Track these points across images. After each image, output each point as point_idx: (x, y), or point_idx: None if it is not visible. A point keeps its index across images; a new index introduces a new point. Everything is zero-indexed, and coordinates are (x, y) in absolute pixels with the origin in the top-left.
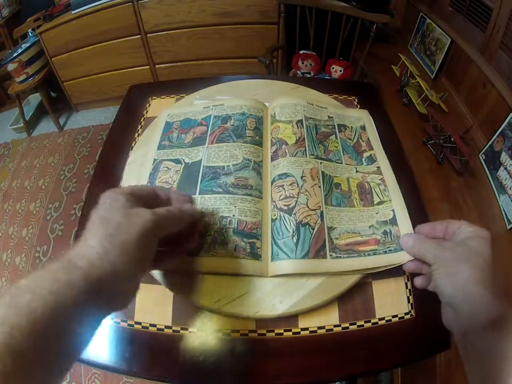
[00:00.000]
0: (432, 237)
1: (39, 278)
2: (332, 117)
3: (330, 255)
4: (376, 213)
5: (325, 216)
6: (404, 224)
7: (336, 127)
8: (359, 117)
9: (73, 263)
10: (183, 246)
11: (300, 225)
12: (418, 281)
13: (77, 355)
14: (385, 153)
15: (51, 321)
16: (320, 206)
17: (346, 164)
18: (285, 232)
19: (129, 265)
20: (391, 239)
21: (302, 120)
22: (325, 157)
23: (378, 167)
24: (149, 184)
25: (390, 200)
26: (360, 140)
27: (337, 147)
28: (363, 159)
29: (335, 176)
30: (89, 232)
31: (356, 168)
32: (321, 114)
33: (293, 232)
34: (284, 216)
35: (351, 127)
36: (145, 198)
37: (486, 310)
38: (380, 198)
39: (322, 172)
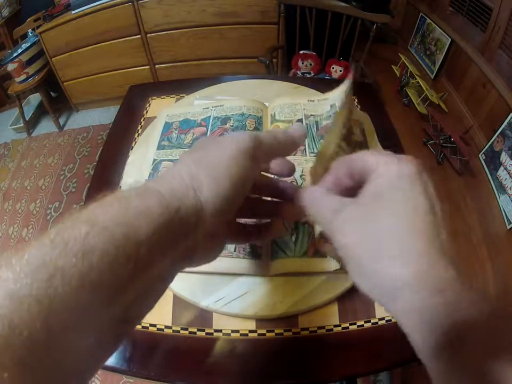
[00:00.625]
0: (340, 189)
1: (100, 205)
2: (334, 104)
3: None
4: None
5: None
6: None
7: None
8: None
9: (150, 187)
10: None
11: (298, 224)
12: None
13: (139, 318)
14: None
15: (115, 265)
16: None
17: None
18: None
19: (217, 194)
20: None
21: (302, 119)
22: None
23: None
24: None
25: None
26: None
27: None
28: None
29: None
30: (174, 164)
31: None
32: (322, 107)
33: (292, 231)
34: None
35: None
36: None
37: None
38: None
39: None
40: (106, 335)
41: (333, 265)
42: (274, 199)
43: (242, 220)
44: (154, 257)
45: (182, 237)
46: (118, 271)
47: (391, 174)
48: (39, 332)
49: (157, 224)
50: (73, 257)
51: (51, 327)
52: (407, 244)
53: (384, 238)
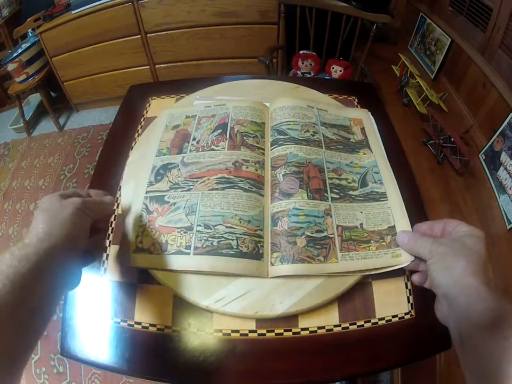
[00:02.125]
0: (430, 235)
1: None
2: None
3: None
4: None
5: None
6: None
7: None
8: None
9: (26, 242)
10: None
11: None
12: (415, 278)
13: (38, 329)
14: (386, 153)
15: (10, 291)
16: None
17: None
18: None
19: (66, 238)
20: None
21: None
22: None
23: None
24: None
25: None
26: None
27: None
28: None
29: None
30: (35, 220)
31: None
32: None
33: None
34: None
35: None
36: (70, 195)
37: (483, 303)
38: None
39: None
40: (14, 338)
41: (334, 268)
42: None
43: None
44: (35, 283)
45: (52, 268)
46: (14, 294)
47: (468, 229)
48: None
49: (31, 262)
50: None
51: None
52: (473, 258)
53: (460, 251)
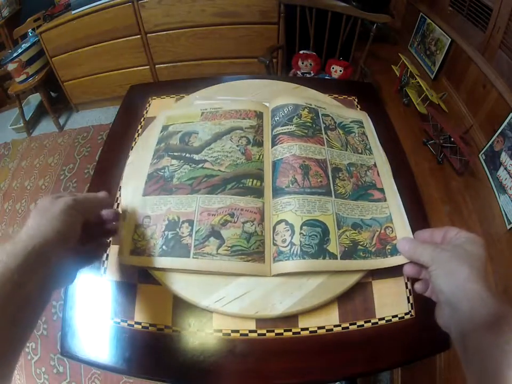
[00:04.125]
0: (430, 242)
1: None
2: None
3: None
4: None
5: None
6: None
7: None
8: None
9: (17, 238)
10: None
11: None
12: (417, 286)
13: (29, 324)
14: (386, 153)
15: (1, 285)
16: None
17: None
18: None
19: (56, 235)
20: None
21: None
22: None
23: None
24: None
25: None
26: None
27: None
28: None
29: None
30: (28, 220)
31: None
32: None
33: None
34: None
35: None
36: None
37: (486, 307)
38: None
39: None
40: (6, 334)
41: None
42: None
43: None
44: (24, 278)
45: (41, 264)
46: (3, 289)
47: (469, 236)
48: None
49: (20, 258)
50: None
51: None
52: (475, 264)
53: (463, 257)
